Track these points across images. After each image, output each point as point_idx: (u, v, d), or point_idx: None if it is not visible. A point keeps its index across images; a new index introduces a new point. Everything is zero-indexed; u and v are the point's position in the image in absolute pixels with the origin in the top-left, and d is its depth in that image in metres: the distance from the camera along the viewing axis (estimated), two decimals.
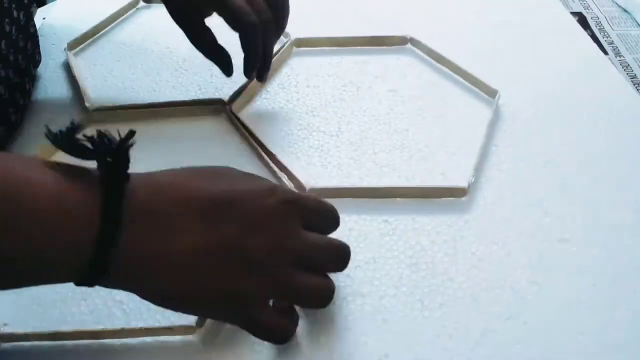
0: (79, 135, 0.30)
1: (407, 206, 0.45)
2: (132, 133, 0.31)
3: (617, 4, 0.71)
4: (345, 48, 0.63)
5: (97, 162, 0.31)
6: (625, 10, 0.70)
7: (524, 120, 0.53)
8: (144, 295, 0.33)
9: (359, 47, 0.63)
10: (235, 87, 0.56)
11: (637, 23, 0.68)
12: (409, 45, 0.63)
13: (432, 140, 0.51)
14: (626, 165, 0.49)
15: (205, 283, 0.32)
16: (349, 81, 0.58)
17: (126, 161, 0.31)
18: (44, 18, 0.71)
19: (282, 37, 0.63)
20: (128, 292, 0.33)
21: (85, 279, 0.31)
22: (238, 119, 0.52)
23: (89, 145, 0.30)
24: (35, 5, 0.68)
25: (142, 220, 0.31)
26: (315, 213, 0.36)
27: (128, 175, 0.31)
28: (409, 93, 0.56)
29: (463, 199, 0.46)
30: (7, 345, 0.37)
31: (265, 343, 0.36)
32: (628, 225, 0.44)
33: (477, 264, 0.41)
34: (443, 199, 0.46)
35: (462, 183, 0.46)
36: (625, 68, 0.62)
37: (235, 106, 0.54)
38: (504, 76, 0.58)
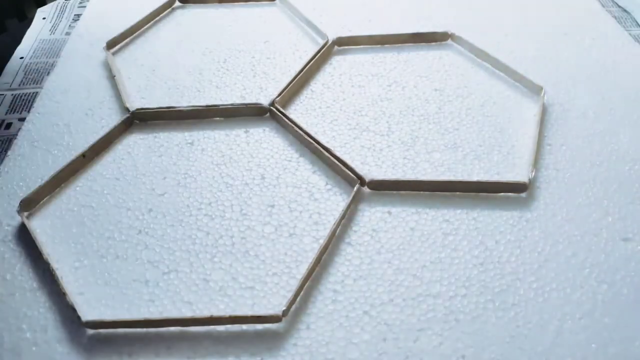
0: None
1: (466, 205, 0.45)
2: None
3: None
4: (385, 46, 0.63)
5: None
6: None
7: (574, 119, 0.53)
8: None
9: (399, 45, 0.63)
10: (279, 86, 0.56)
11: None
12: (449, 41, 0.63)
13: (484, 139, 0.51)
14: None
15: None
16: (394, 80, 0.58)
17: None
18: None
19: (319, 39, 0.63)
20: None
21: None
22: (286, 116, 0.52)
23: None
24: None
25: None
26: None
27: None
28: (455, 92, 0.56)
29: (522, 195, 0.45)
30: (94, 332, 0.37)
31: (352, 332, 0.36)
32: None
33: (544, 264, 0.41)
34: (502, 198, 0.45)
35: (522, 179, 0.46)
36: None
37: (279, 105, 0.53)
38: (545, 72, 0.58)
